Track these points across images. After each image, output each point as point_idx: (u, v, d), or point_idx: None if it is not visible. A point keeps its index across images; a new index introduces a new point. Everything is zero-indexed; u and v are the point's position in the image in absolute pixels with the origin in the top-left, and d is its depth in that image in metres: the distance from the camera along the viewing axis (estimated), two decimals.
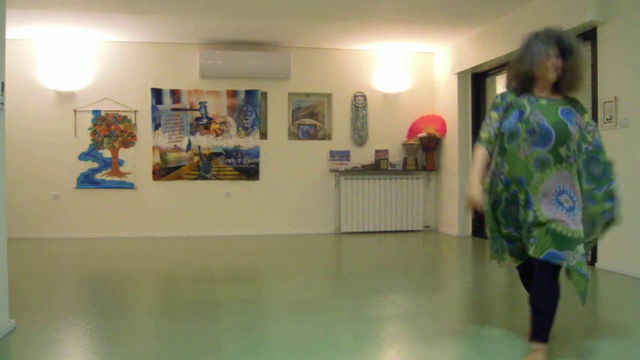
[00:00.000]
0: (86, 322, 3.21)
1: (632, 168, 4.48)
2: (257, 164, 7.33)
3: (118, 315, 3.39)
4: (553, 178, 2.39)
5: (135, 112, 7.08)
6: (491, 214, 2.62)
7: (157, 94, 7.13)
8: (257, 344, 2.82)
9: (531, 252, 2.39)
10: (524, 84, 2.55)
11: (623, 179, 4.58)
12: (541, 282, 2.41)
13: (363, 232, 7.43)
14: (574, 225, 2.35)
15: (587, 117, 2.55)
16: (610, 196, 2.54)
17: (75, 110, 6.97)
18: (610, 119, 4.66)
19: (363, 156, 7.57)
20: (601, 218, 2.52)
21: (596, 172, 2.49)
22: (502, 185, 2.52)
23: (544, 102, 2.48)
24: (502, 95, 2.61)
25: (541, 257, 2.34)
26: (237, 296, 3.96)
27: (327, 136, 7.67)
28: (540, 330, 2.43)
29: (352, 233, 7.37)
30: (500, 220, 2.59)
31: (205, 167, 7.24)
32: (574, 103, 2.53)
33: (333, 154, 7.51)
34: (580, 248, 2.35)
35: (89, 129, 7.00)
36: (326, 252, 6.36)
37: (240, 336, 2.94)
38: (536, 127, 2.39)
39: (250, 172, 7.32)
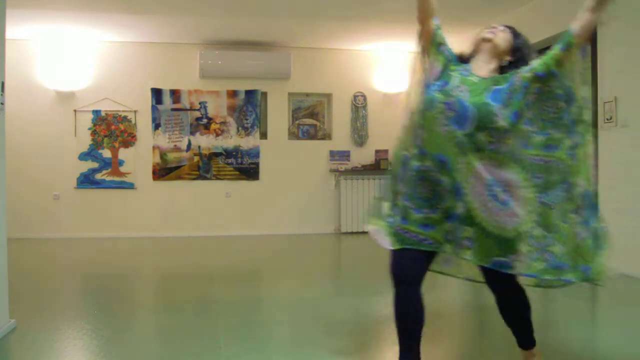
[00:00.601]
0: (86, 322, 3.21)
1: (632, 168, 4.48)
2: (257, 164, 7.33)
3: (118, 315, 3.38)
4: (479, 167, 1.98)
5: (135, 112, 7.08)
6: (401, 167, 2.17)
7: (157, 94, 7.13)
8: (257, 344, 2.82)
9: (469, 256, 2.03)
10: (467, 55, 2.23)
11: (622, 178, 4.61)
12: (501, 291, 2.23)
13: (363, 232, 7.43)
14: (510, 221, 1.97)
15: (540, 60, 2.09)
16: (569, 128, 2.07)
17: (75, 110, 6.97)
18: (610, 119, 4.67)
19: (363, 156, 7.57)
20: (568, 159, 2.05)
21: (549, 112, 2.06)
22: (417, 150, 2.09)
23: (474, 78, 2.09)
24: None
25: (488, 265, 2.02)
26: (237, 296, 3.96)
27: (327, 136, 7.67)
28: (524, 338, 2.29)
29: (352, 233, 7.37)
30: (411, 196, 2.08)
31: (205, 167, 7.24)
32: (515, 72, 2.10)
33: (333, 154, 7.51)
34: (524, 246, 1.97)
35: (89, 129, 7.00)
36: (326, 252, 6.36)
37: (240, 336, 2.94)
38: (455, 102, 2.01)
39: (250, 172, 7.32)
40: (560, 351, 2.68)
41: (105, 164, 7.03)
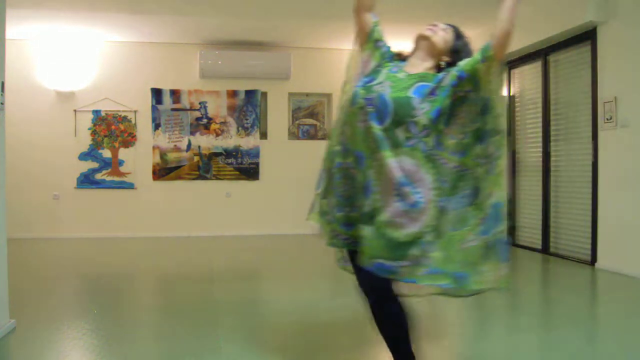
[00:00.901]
0: (86, 322, 3.20)
1: (632, 168, 4.49)
2: (257, 164, 7.33)
3: (118, 315, 3.38)
4: (394, 165, 1.90)
5: (135, 112, 7.08)
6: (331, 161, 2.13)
7: (157, 94, 7.13)
8: (258, 344, 2.82)
9: (361, 258, 1.93)
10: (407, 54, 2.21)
11: (622, 178, 4.61)
12: (377, 303, 2.02)
13: None
14: (412, 225, 1.88)
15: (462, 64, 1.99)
16: (480, 135, 1.98)
17: (75, 110, 6.96)
18: (610, 119, 4.67)
19: None
20: (477, 166, 1.98)
21: (464, 117, 1.99)
22: (341, 147, 2.08)
23: (401, 75, 2.05)
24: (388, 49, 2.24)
25: (370, 267, 1.89)
26: (237, 296, 3.96)
27: (327, 136, 7.67)
28: (400, 355, 2.08)
29: None
30: (335, 193, 2.09)
31: (205, 167, 7.24)
32: (448, 71, 2.03)
33: None
34: (416, 251, 1.87)
35: (89, 129, 7.00)
36: (326, 252, 6.35)
37: (240, 336, 2.94)
38: (375, 97, 1.95)
39: (250, 172, 7.32)
40: (559, 352, 2.68)
41: (105, 164, 7.03)
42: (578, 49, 5.23)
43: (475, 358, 2.61)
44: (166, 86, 7.13)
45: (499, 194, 1.97)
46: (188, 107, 7.18)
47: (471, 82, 1.94)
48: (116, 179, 7.05)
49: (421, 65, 2.08)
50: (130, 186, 7.08)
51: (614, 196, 4.68)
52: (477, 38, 6.42)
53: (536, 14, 5.41)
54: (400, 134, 1.92)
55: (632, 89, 4.48)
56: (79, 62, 6.95)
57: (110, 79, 7.03)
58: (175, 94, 7.16)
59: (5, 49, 3.01)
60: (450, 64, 2.06)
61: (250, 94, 7.30)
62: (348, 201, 2.03)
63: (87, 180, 6.99)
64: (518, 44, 5.71)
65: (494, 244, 1.94)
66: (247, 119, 7.29)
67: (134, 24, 6.33)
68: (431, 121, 1.93)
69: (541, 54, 5.69)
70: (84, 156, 6.98)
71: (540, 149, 5.76)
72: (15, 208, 6.00)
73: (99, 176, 7.01)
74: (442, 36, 2.09)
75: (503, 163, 2.00)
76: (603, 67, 4.76)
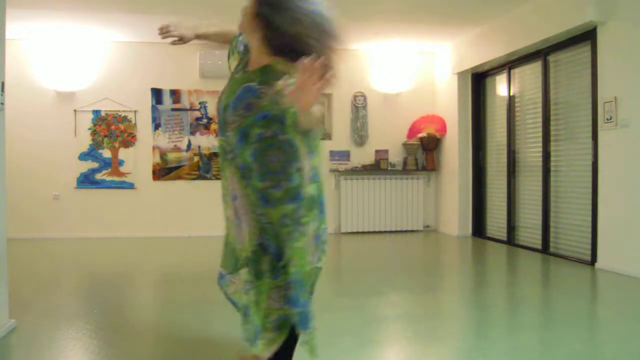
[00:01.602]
0: (86, 322, 3.20)
1: (632, 168, 4.49)
2: None
3: (118, 315, 3.38)
4: (228, 176, 1.82)
5: (135, 112, 7.08)
6: None
7: (157, 94, 7.13)
8: None
9: None
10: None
11: (622, 178, 4.61)
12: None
13: (363, 232, 7.43)
14: (240, 241, 1.82)
15: (281, 84, 1.62)
16: (293, 195, 1.72)
17: (75, 110, 6.97)
18: (610, 119, 4.67)
19: (363, 156, 7.57)
20: (282, 226, 1.74)
21: (274, 163, 1.71)
22: None
23: (239, 75, 1.80)
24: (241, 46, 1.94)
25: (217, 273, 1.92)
26: None
27: (327, 136, 7.66)
28: None
29: (352, 233, 7.36)
30: None
31: (205, 167, 7.24)
32: (269, 72, 1.70)
33: (333, 154, 7.51)
34: (244, 274, 1.80)
35: (89, 129, 7.00)
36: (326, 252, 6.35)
37: (240, 336, 2.94)
38: (219, 107, 1.82)
39: None
40: (559, 352, 2.69)
41: (105, 164, 7.03)
42: (578, 49, 5.23)
43: (475, 358, 2.61)
44: (166, 86, 7.13)
45: (301, 266, 1.75)
46: (188, 107, 7.19)
47: (277, 122, 1.68)
48: (116, 179, 7.06)
49: (255, 54, 1.76)
50: (130, 186, 7.08)
51: (614, 196, 4.68)
52: (477, 38, 6.47)
53: (536, 14, 5.41)
54: (225, 144, 1.79)
55: (632, 89, 4.48)
56: (79, 62, 6.95)
57: (111, 79, 7.04)
58: (175, 94, 7.16)
59: (5, 49, 3.01)
60: (271, 39, 1.67)
61: None
62: None
63: (87, 180, 6.99)
64: (518, 44, 5.72)
65: (292, 318, 1.77)
66: None
67: (134, 24, 6.33)
68: (237, 139, 1.72)
69: (541, 54, 5.69)
70: (84, 156, 6.99)
71: (540, 149, 5.77)
72: (15, 208, 6.00)
73: (99, 176, 7.01)
74: (245, 12, 1.79)
75: (307, 241, 1.75)
76: (603, 67, 4.76)
